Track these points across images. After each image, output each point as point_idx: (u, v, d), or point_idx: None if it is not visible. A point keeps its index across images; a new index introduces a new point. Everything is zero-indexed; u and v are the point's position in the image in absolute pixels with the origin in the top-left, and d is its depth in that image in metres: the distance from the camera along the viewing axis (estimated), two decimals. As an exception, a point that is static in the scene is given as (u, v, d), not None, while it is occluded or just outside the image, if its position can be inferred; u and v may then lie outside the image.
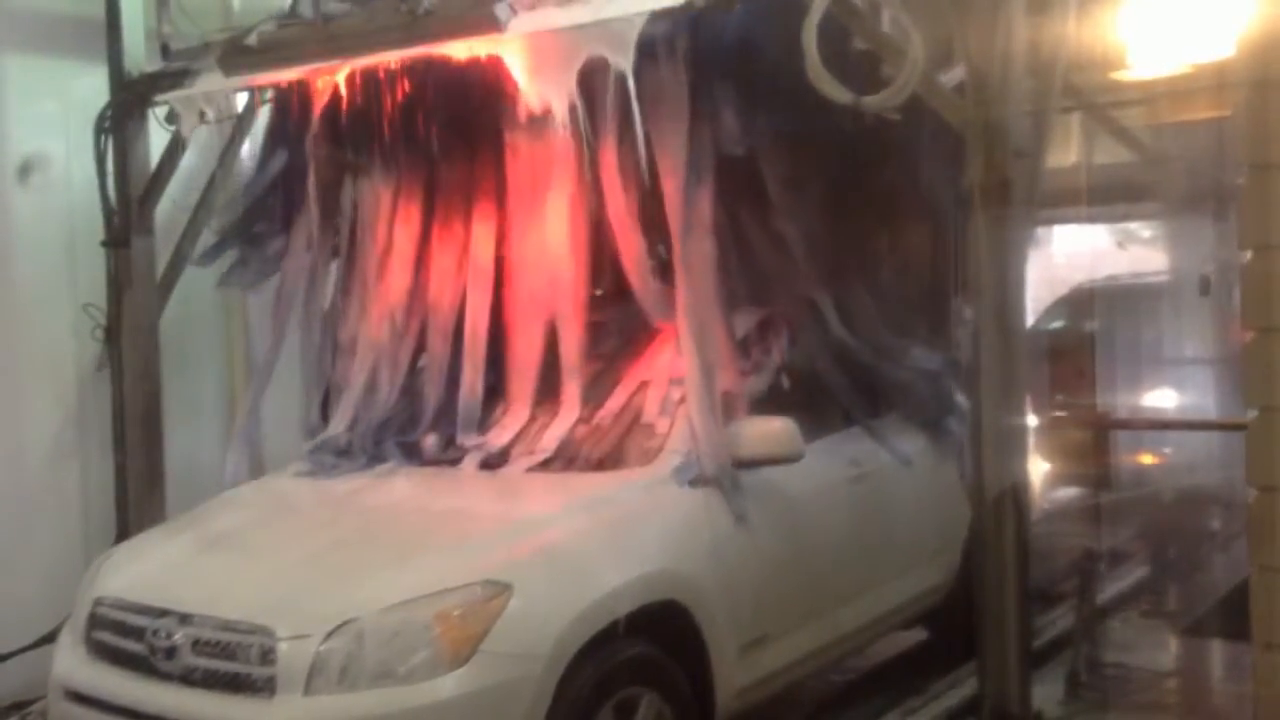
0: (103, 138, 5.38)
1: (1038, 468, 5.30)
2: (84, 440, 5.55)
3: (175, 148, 5.39)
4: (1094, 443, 6.08)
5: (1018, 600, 3.80)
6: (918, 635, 5.34)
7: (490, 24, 3.99)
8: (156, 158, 5.47)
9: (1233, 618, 4.48)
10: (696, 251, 4.07)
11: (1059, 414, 6.18)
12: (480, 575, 3.33)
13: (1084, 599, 4.79)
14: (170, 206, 5.55)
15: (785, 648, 4.14)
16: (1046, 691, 4.32)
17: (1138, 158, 6.83)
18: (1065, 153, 7.53)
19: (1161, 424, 6.60)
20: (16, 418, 5.35)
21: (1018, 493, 3.81)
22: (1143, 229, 10.64)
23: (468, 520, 3.89)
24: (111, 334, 5.49)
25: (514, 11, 4.00)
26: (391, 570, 3.45)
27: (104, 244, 5.46)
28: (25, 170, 5.35)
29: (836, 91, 3.62)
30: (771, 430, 3.99)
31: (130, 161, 5.43)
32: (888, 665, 5.33)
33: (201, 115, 4.85)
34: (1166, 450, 6.61)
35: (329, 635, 3.21)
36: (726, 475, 3.90)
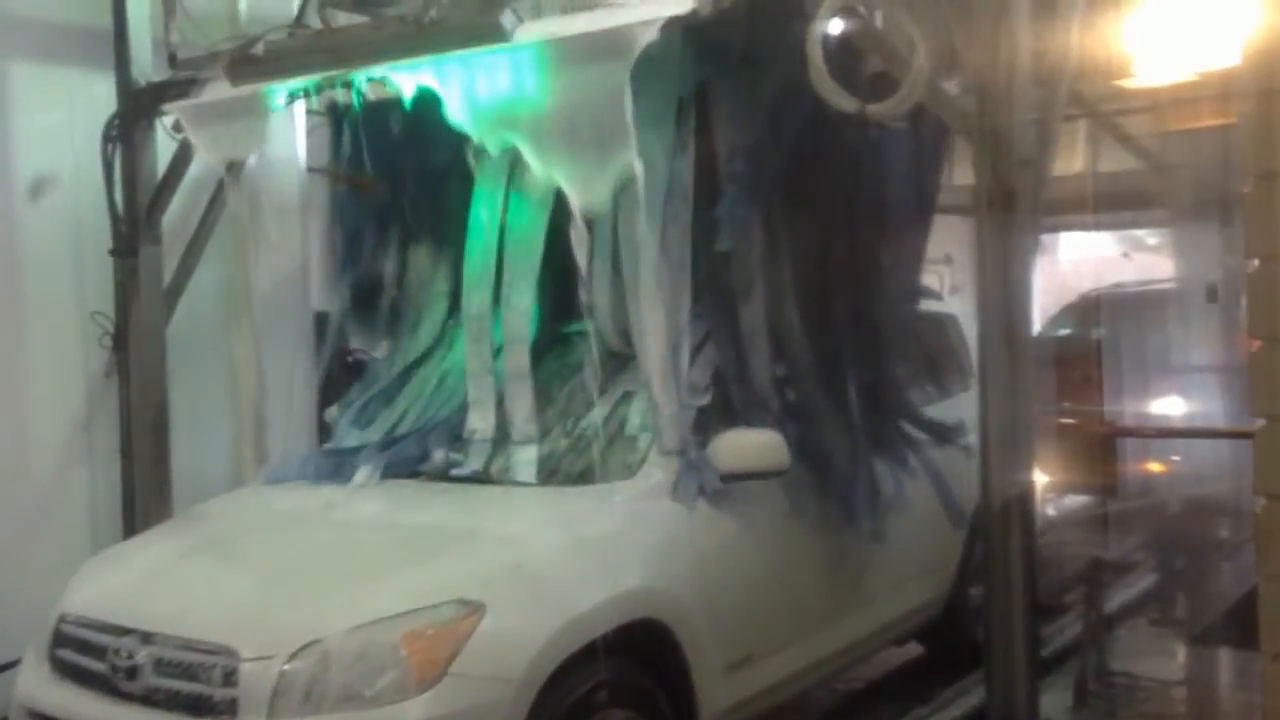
0: (110, 146, 5.40)
1: (1045, 476, 5.28)
2: (91, 447, 5.55)
3: (182, 157, 5.41)
4: (1101, 451, 6.07)
5: (1025, 608, 3.79)
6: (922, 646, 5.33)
7: (496, 33, 4.01)
8: (164, 166, 5.48)
9: (1241, 627, 4.47)
10: (672, 230, 4.00)
11: (1065, 422, 6.17)
12: (451, 594, 3.23)
13: (1091, 607, 4.77)
14: (178, 215, 5.57)
15: (771, 667, 4.05)
16: (1054, 700, 4.30)
17: (1143, 165, 6.83)
18: (1071, 161, 7.54)
19: (1168, 432, 6.58)
20: (24, 425, 5.35)
21: (1024, 501, 3.80)
22: (1149, 237, 10.64)
23: (442, 536, 3.75)
24: (119, 342, 5.50)
25: (520, 20, 4.01)
26: (360, 588, 3.35)
27: (112, 252, 5.48)
28: (37, 188, 5.37)
29: (841, 99, 3.62)
30: (757, 443, 3.89)
31: (138, 170, 5.44)
32: (894, 673, 5.32)
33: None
34: (1174, 458, 6.59)
35: (293, 656, 3.12)
36: (690, 451, 3.80)
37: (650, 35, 3.70)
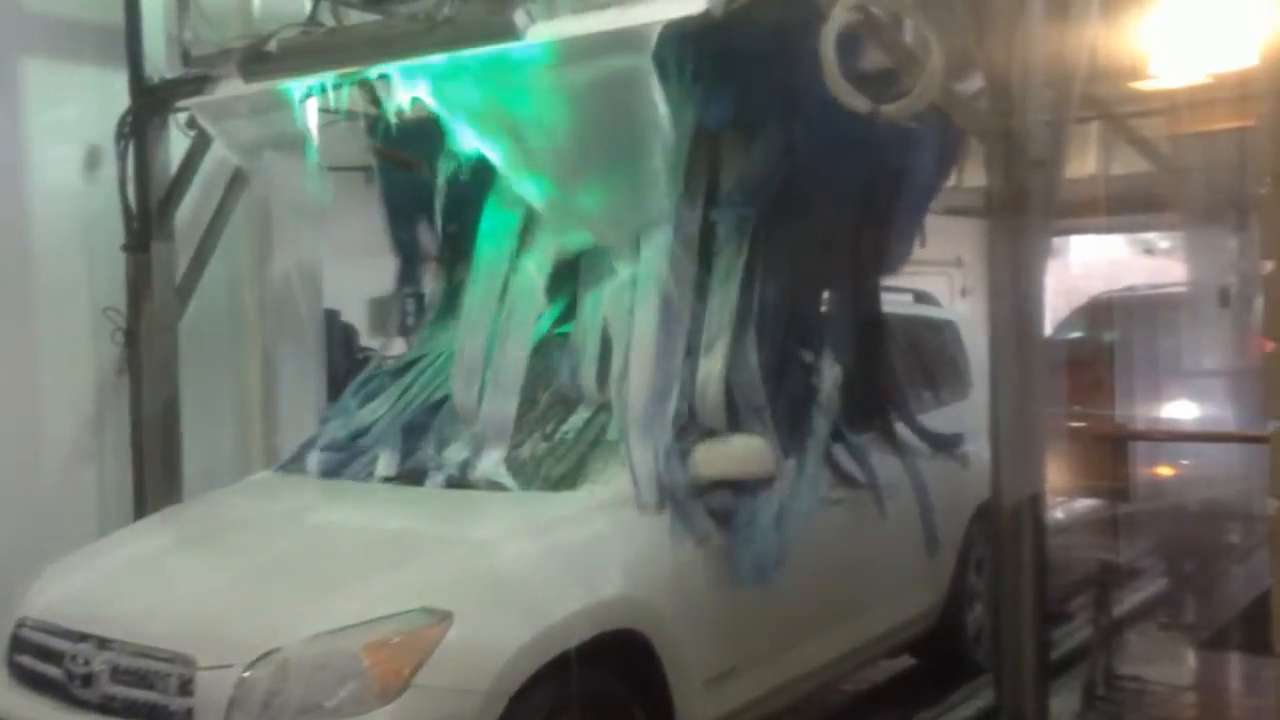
0: (123, 143, 5.42)
1: (1055, 479, 5.25)
2: (102, 443, 5.58)
3: (195, 153, 5.43)
4: (1111, 454, 6.05)
5: (1035, 611, 3.77)
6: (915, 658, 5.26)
7: (509, 31, 4.01)
8: (176, 163, 5.50)
9: (1252, 631, 4.45)
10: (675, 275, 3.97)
11: (1076, 425, 6.15)
12: (417, 602, 3.12)
13: (1101, 611, 4.76)
14: (190, 211, 5.59)
15: (756, 680, 3.94)
16: (1063, 703, 4.29)
17: (1156, 168, 6.80)
18: (1083, 163, 7.52)
19: (1180, 436, 6.56)
20: (36, 420, 5.38)
21: (1035, 504, 3.79)
22: (1161, 240, 10.62)
23: (413, 542, 3.63)
24: (131, 338, 5.52)
25: (532, 20, 4.02)
26: (324, 595, 3.24)
27: (124, 248, 5.50)
28: (50, 184, 5.39)
29: (854, 100, 3.61)
30: (742, 448, 3.79)
31: (150, 167, 5.45)
32: (900, 676, 5.31)
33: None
34: (1185, 462, 6.57)
35: (251, 665, 3.02)
36: (675, 500, 3.66)
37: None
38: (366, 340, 7.67)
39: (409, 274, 5.17)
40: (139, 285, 5.48)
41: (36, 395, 5.39)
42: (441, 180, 4.65)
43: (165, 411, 5.52)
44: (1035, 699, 3.80)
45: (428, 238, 5.03)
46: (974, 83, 3.91)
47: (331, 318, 6.72)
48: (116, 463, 5.56)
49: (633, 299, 4.04)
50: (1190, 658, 5.19)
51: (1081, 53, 3.92)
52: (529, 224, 4.42)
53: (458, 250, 4.80)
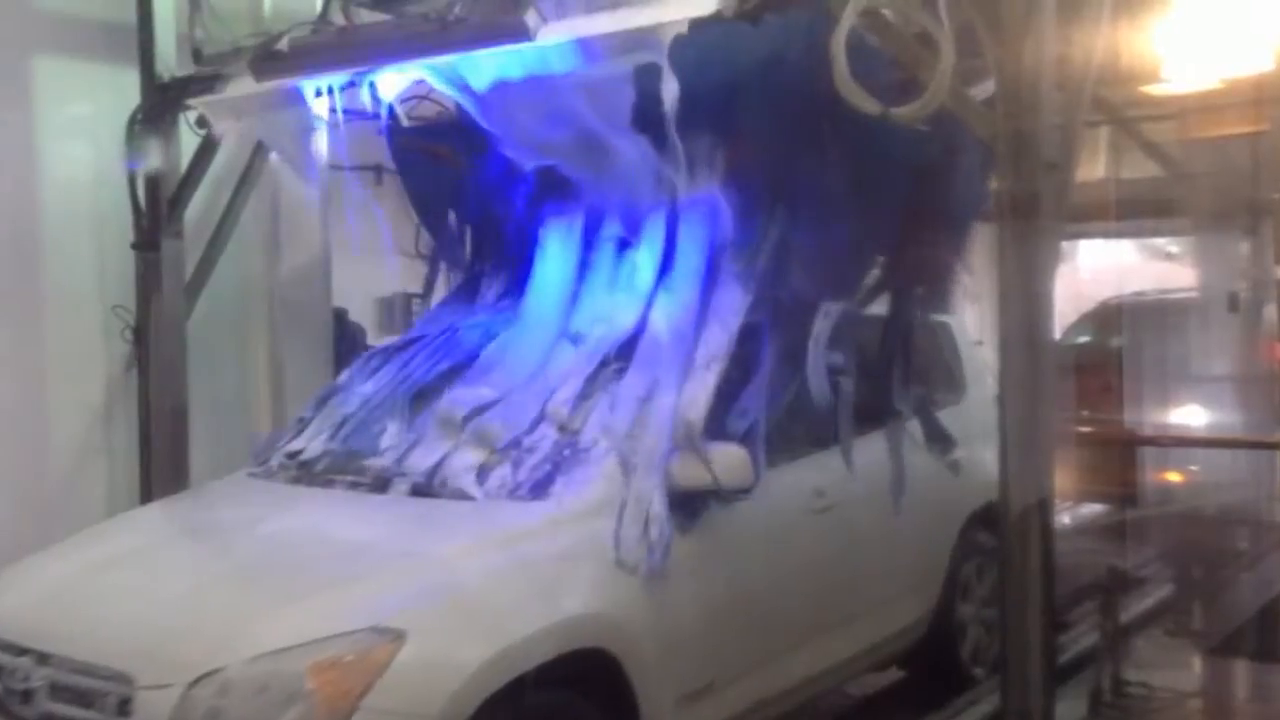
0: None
1: (1063, 484, 5.22)
2: (110, 440, 5.59)
3: (205, 151, 5.44)
4: (1120, 459, 6.04)
5: (1042, 616, 3.76)
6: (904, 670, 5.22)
7: (520, 32, 4.01)
8: (187, 161, 5.51)
9: (1260, 638, 4.44)
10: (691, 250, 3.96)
11: (1085, 430, 6.14)
12: (369, 620, 2.99)
13: (1108, 617, 4.74)
14: (200, 210, 5.61)
15: (734, 696, 3.80)
16: (1069, 709, 4.28)
17: (1167, 173, 6.79)
18: (1093, 167, 7.50)
19: (1188, 441, 6.54)
20: (46, 417, 5.40)
21: (1044, 509, 3.78)
22: (1170, 245, 10.58)
23: (369, 554, 3.44)
24: (140, 335, 5.54)
25: (543, 20, 4.02)
26: (272, 611, 3.11)
27: (133, 246, 5.51)
28: (60, 182, 5.40)
29: (865, 103, 3.60)
30: (719, 457, 3.62)
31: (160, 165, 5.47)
32: (906, 679, 5.30)
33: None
34: (1193, 468, 6.55)
35: (192, 685, 2.90)
36: (656, 525, 3.48)
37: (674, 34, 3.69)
38: (374, 339, 7.68)
39: (440, 270, 5.18)
40: (148, 283, 5.50)
41: (46, 392, 5.40)
42: (465, 172, 4.68)
43: (173, 409, 5.53)
44: (1042, 704, 3.79)
45: (459, 231, 5.05)
46: (988, 87, 3.90)
47: (339, 316, 6.74)
48: (125, 460, 5.58)
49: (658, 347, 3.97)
50: (1198, 664, 5.17)
51: (1093, 56, 3.91)
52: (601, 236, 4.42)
53: (480, 241, 4.80)
